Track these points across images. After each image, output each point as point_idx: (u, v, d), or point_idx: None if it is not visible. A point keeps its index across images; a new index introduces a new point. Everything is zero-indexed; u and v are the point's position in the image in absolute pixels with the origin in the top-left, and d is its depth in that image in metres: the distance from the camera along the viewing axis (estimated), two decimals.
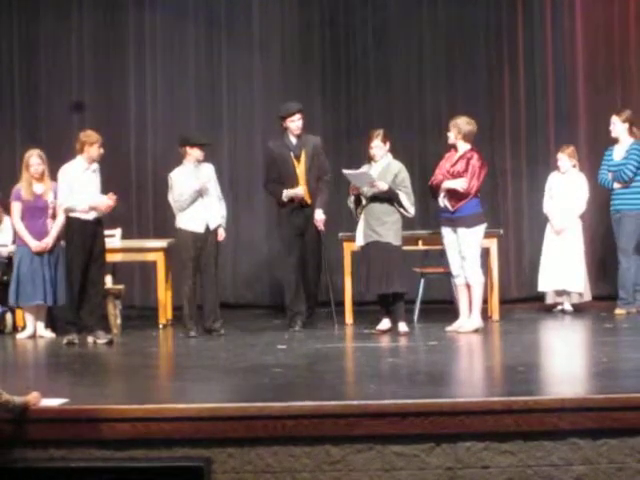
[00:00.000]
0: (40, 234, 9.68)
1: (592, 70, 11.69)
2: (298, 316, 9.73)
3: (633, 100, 11.42)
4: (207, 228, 9.63)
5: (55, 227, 9.70)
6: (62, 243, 9.62)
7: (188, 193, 9.58)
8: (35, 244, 9.64)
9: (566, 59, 11.71)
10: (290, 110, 9.80)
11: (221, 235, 9.73)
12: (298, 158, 9.79)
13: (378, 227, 9.48)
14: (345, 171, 9.55)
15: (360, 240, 9.59)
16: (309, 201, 9.81)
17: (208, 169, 9.78)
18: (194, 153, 9.67)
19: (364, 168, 9.62)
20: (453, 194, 9.43)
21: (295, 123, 9.76)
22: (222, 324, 9.63)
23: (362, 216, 9.57)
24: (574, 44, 11.70)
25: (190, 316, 9.60)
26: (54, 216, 9.71)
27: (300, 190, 9.73)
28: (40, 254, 9.64)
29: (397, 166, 9.62)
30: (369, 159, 9.68)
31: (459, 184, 9.37)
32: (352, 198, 9.65)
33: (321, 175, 9.86)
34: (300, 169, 9.79)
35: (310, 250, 9.80)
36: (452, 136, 9.55)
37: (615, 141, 10.69)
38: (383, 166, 9.60)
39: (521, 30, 11.73)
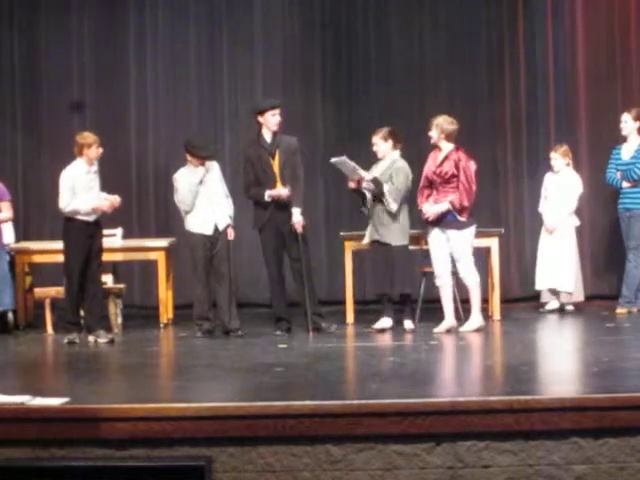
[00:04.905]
0: None
1: (593, 67, 11.67)
2: (281, 322, 9.68)
3: (634, 97, 11.40)
4: (216, 229, 9.61)
5: None
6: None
7: (190, 198, 9.58)
8: None
9: (567, 56, 11.68)
10: (272, 104, 9.64)
11: (231, 234, 9.67)
12: (273, 156, 9.59)
13: (380, 227, 9.49)
14: (332, 160, 9.52)
15: (366, 238, 9.61)
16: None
17: (211, 169, 9.70)
18: (193, 160, 9.66)
19: (373, 168, 9.63)
20: (459, 207, 9.38)
21: (275, 117, 9.54)
22: (241, 325, 9.53)
23: (372, 214, 9.57)
24: (575, 41, 11.67)
25: (199, 317, 9.59)
26: None
27: (283, 190, 9.50)
28: None
29: (399, 164, 9.62)
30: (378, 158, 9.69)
31: (444, 207, 9.35)
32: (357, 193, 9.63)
33: (294, 175, 9.60)
34: (275, 167, 9.60)
35: (294, 254, 9.66)
36: (435, 136, 9.51)
37: (619, 139, 10.67)
38: (388, 164, 9.61)
39: (522, 28, 11.70)
